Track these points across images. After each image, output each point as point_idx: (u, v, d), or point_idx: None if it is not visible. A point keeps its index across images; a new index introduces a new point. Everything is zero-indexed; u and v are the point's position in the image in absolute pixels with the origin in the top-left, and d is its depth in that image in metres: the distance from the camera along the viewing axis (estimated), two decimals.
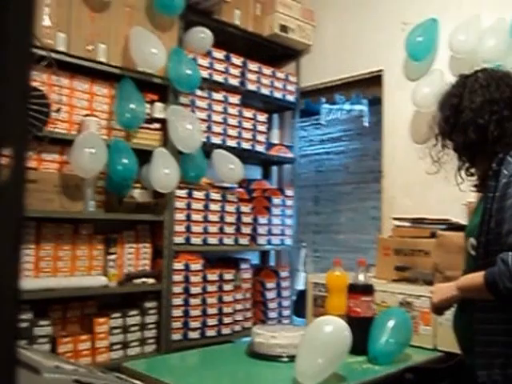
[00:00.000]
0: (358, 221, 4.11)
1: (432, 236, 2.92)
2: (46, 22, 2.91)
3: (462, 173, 2.03)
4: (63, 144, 3.02)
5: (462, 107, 1.87)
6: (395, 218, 3.32)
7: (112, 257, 3.19)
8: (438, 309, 1.96)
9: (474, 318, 1.77)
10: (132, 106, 3.15)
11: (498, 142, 1.78)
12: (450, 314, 2.52)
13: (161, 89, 3.43)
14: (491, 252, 1.70)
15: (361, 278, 2.49)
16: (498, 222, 1.68)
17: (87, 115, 3.10)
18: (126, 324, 3.22)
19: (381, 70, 3.85)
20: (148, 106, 3.35)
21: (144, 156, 3.24)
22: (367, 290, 2.49)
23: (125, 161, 3.07)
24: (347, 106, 4.22)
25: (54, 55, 2.86)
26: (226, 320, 3.67)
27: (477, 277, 1.70)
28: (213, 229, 3.64)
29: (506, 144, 1.77)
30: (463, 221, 2.99)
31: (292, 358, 2.06)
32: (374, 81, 3.91)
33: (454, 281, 1.88)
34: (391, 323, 2.36)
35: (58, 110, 2.97)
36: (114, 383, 0.90)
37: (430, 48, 3.51)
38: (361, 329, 2.35)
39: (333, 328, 2.04)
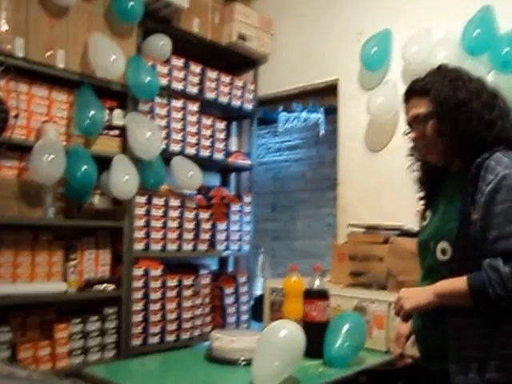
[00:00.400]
0: (314, 227, 4.13)
1: (385, 242, 2.95)
2: (4, 27, 2.86)
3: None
4: (22, 150, 2.99)
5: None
6: (350, 225, 3.34)
7: (72, 263, 3.16)
8: (409, 315, 1.87)
9: (448, 322, 1.72)
10: (91, 112, 3.12)
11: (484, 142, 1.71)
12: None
13: (120, 96, 3.41)
14: (469, 257, 1.66)
15: (316, 283, 2.50)
16: (482, 227, 1.63)
17: (46, 121, 3.07)
18: (85, 330, 3.19)
19: (336, 80, 3.88)
20: (107, 112, 3.33)
21: (103, 163, 3.21)
22: (323, 294, 2.51)
23: (84, 167, 3.04)
24: (304, 115, 4.24)
25: (12, 61, 2.85)
26: (185, 325, 3.68)
27: (457, 282, 1.65)
28: (172, 235, 3.64)
29: (486, 146, 1.71)
30: (416, 227, 2.98)
31: (250, 362, 2.04)
32: (329, 90, 3.94)
33: (424, 286, 1.83)
34: (346, 327, 2.37)
35: (16, 116, 2.92)
36: None
37: (383, 58, 3.55)
38: (316, 333, 2.37)
39: (287, 332, 2.05)
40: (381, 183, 3.57)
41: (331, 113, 4.01)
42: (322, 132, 4.14)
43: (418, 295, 1.77)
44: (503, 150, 1.68)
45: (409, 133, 1.91)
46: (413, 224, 3.08)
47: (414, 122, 1.88)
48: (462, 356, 1.67)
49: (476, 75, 1.85)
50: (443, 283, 1.71)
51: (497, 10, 3.05)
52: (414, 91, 1.89)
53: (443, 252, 1.75)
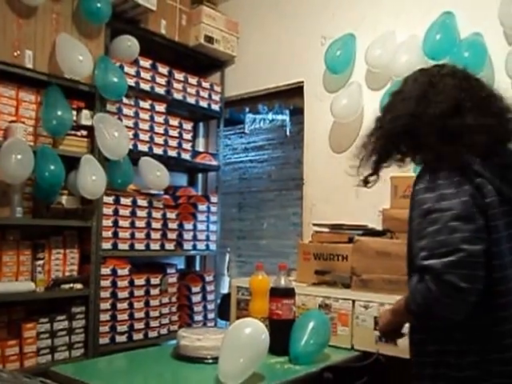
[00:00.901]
0: (280, 227, 4.14)
1: (350, 241, 2.97)
2: None
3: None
4: None
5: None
6: (315, 224, 3.37)
7: (40, 262, 3.15)
8: (385, 334, 1.94)
9: (410, 328, 1.74)
10: (59, 112, 3.12)
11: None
12: (363, 315, 2.63)
13: (88, 96, 3.41)
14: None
15: (282, 281, 2.52)
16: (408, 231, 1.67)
17: (13, 121, 3.05)
18: (53, 329, 3.18)
19: (301, 82, 3.90)
20: (75, 113, 3.32)
21: (71, 163, 3.22)
22: (288, 293, 2.53)
23: (52, 167, 3.04)
24: (270, 116, 4.25)
25: None
26: (153, 324, 3.68)
27: (401, 301, 1.66)
28: (140, 234, 3.64)
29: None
30: (378, 227, 3.09)
31: (216, 360, 2.08)
32: (295, 92, 3.96)
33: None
34: (311, 325, 2.41)
35: None
36: None
37: (347, 62, 3.58)
38: (282, 330, 2.41)
39: (251, 329, 2.08)
40: (345, 183, 3.49)
41: (297, 114, 4.03)
42: (287, 133, 4.16)
43: (384, 315, 1.83)
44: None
45: None
46: (376, 224, 3.16)
47: None
48: (418, 373, 1.67)
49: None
50: (397, 301, 1.74)
51: (457, 16, 3.10)
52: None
53: None
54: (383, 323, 1.82)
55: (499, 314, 1.53)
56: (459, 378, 1.54)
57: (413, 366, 1.70)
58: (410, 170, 2.88)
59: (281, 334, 2.38)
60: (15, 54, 3.06)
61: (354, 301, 2.69)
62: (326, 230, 3.25)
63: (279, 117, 4.22)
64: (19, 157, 2.88)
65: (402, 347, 2.33)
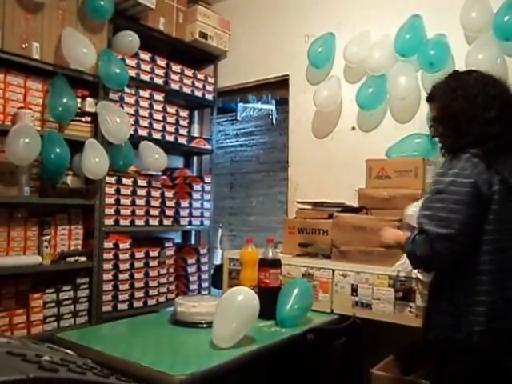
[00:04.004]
0: (268, 204, 4.09)
1: (330, 217, 2.95)
2: None
3: None
4: None
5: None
6: (299, 202, 3.33)
7: (46, 237, 3.01)
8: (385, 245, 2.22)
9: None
10: (64, 100, 2.98)
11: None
12: (342, 283, 2.63)
13: (92, 85, 3.26)
14: None
15: (270, 253, 2.49)
16: None
17: (21, 108, 2.89)
18: (59, 298, 3.06)
19: (287, 75, 3.84)
20: (79, 100, 3.18)
21: (76, 146, 3.08)
22: (275, 263, 2.51)
23: (58, 150, 2.90)
24: (258, 105, 4.19)
25: None
26: (152, 292, 3.58)
27: (405, 236, 1.89)
28: (140, 212, 3.53)
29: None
30: (355, 204, 3.04)
31: (210, 324, 2.04)
32: (281, 84, 3.89)
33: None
34: (295, 292, 2.39)
35: None
36: (45, 353, 0.78)
37: (328, 57, 3.52)
38: (269, 297, 2.38)
39: (243, 296, 2.04)
40: (325, 166, 3.58)
41: (282, 104, 3.97)
42: (274, 120, 4.09)
43: (388, 240, 2.12)
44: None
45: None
46: (352, 201, 3.11)
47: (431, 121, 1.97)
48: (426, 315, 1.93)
49: (484, 75, 1.84)
50: (403, 236, 1.93)
51: (424, 19, 3.10)
52: (427, 96, 1.97)
53: None
54: (387, 243, 2.15)
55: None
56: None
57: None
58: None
59: (268, 301, 2.35)
60: (23, 45, 2.89)
61: (333, 270, 2.68)
62: (309, 207, 3.22)
63: (267, 106, 4.14)
64: (27, 140, 2.73)
65: (374, 311, 2.51)
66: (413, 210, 2.20)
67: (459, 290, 1.72)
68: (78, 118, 3.17)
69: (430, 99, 1.94)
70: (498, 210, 1.67)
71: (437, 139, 1.95)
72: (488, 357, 1.67)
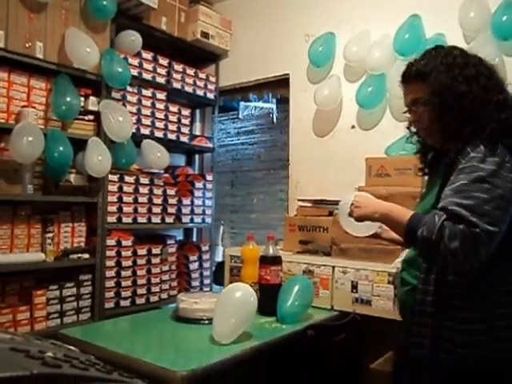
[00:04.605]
0: (268, 202, 4.09)
1: (330, 215, 2.95)
2: None
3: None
4: (2, 132, 2.80)
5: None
6: (299, 200, 3.32)
7: (49, 235, 3.00)
8: (357, 219, 1.68)
9: (417, 289, 1.54)
10: (67, 99, 2.96)
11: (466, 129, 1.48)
12: (342, 279, 2.62)
13: (94, 84, 3.24)
14: None
15: (270, 250, 2.48)
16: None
17: (25, 106, 2.88)
18: (62, 295, 3.05)
19: (287, 74, 3.83)
20: (82, 99, 3.16)
21: (79, 144, 3.07)
22: (276, 260, 2.49)
23: (61, 148, 2.90)
24: (259, 104, 4.18)
25: None
26: (154, 289, 3.57)
27: (404, 213, 1.48)
28: (142, 209, 3.52)
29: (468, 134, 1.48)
30: None
31: (211, 321, 2.03)
32: (282, 83, 3.88)
33: (384, 201, 1.64)
34: (296, 288, 2.39)
35: None
36: (49, 349, 0.77)
37: (328, 57, 3.52)
38: (270, 294, 2.38)
39: (241, 293, 2.04)
40: (325, 164, 3.57)
41: (283, 102, 3.97)
42: (274, 119, 4.09)
43: (368, 208, 1.61)
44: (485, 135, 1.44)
45: (405, 112, 1.67)
46: None
47: (412, 105, 1.62)
48: (420, 321, 1.51)
49: (470, 52, 1.60)
50: (397, 208, 1.54)
51: (423, 19, 3.09)
52: (411, 75, 1.61)
53: None
54: (362, 214, 1.63)
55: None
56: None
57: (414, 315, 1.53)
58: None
59: (269, 297, 2.36)
60: (27, 45, 2.88)
61: (333, 267, 2.68)
62: (309, 204, 3.20)
63: (267, 105, 4.13)
64: (30, 139, 2.71)
65: (374, 307, 2.50)
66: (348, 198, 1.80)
67: (493, 302, 1.44)
68: (80, 117, 3.16)
69: (417, 78, 1.60)
70: None
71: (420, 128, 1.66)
72: None
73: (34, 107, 2.91)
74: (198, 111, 4.50)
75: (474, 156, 1.41)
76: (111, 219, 3.32)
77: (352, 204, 1.67)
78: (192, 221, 3.96)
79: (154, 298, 3.56)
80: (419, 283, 1.52)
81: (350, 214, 1.68)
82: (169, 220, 3.73)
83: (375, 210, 1.58)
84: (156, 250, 3.60)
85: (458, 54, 1.56)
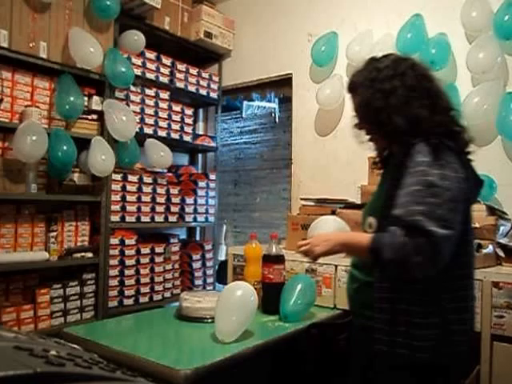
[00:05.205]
0: (271, 201, 4.08)
1: (333, 213, 2.89)
2: None
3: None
4: (5, 132, 2.80)
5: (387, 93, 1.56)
6: (302, 199, 3.32)
7: (53, 234, 2.99)
8: (316, 258, 1.66)
9: (373, 286, 1.56)
10: (71, 98, 2.97)
11: (409, 130, 1.52)
12: (345, 278, 2.56)
13: (98, 84, 3.24)
14: None
15: (273, 249, 2.47)
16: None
17: (29, 106, 2.88)
18: (66, 294, 3.06)
19: (290, 74, 3.83)
20: (86, 98, 3.17)
21: (83, 144, 3.07)
22: (279, 259, 2.47)
23: (64, 148, 2.89)
24: (262, 103, 4.17)
25: None
26: (157, 288, 3.58)
27: (363, 237, 1.50)
28: (145, 208, 3.52)
29: (414, 133, 1.51)
30: (358, 200, 3.04)
31: (214, 320, 2.01)
32: (285, 82, 3.88)
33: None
34: (299, 287, 2.37)
35: (1, 101, 2.74)
36: (52, 347, 0.77)
37: (331, 56, 3.52)
38: (273, 292, 2.37)
39: (242, 291, 2.02)
40: (328, 163, 3.57)
41: (286, 102, 3.96)
42: (277, 119, 4.08)
43: (327, 243, 1.60)
44: (428, 139, 1.47)
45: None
46: (355, 198, 3.11)
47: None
48: (378, 317, 1.54)
49: (405, 58, 1.64)
50: (353, 235, 1.62)
51: (426, 19, 3.08)
52: (348, 87, 1.72)
53: (370, 226, 1.61)
54: (324, 251, 1.60)
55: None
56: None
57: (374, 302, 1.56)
58: None
59: (272, 296, 2.35)
60: (31, 45, 2.88)
61: (336, 266, 2.66)
62: (312, 203, 3.20)
63: (269, 104, 4.13)
64: (34, 138, 2.72)
65: None
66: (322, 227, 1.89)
67: (445, 297, 1.49)
68: (84, 116, 3.16)
69: (350, 90, 1.70)
70: (471, 207, 1.55)
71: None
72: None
73: (37, 107, 2.91)
74: (201, 110, 4.50)
75: (421, 160, 1.44)
76: (115, 218, 3.32)
77: (309, 245, 1.66)
78: (195, 220, 3.96)
79: (157, 297, 3.56)
80: (376, 281, 1.55)
81: (307, 255, 1.67)
82: (172, 219, 3.73)
83: (334, 243, 1.59)
84: (159, 249, 3.60)
85: (388, 66, 1.60)
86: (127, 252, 3.37)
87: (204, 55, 4.21)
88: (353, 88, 1.68)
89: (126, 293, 3.35)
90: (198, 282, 3.96)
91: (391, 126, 1.53)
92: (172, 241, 3.79)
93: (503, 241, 2.46)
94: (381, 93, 1.55)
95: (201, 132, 4.40)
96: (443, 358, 1.47)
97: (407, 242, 1.35)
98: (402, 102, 1.52)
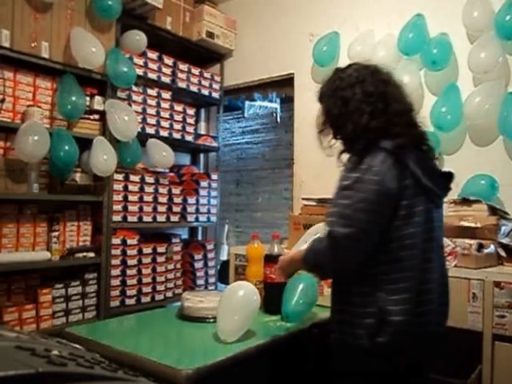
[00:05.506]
0: (273, 201, 4.08)
1: None
2: None
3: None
4: (7, 131, 2.80)
5: (346, 99, 1.66)
6: (304, 198, 3.31)
7: (55, 234, 3.00)
8: (287, 277, 2.04)
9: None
10: (73, 98, 2.97)
11: (364, 135, 1.60)
12: None
13: (100, 84, 3.25)
14: None
15: (275, 249, 2.46)
16: None
17: (31, 106, 2.88)
18: (68, 294, 3.06)
19: (292, 74, 3.83)
20: (88, 98, 3.17)
21: (85, 143, 3.07)
22: None
23: (66, 147, 2.90)
24: (264, 103, 4.17)
25: None
26: (159, 288, 3.58)
27: (301, 252, 1.70)
28: (147, 208, 3.52)
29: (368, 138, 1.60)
30: None
31: (216, 319, 2.00)
32: (286, 82, 3.88)
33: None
34: (300, 287, 2.35)
35: (3, 101, 2.74)
36: (54, 347, 0.77)
37: (332, 56, 3.52)
38: (275, 292, 2.35)
39: (244, 291, 2.02)
40: (329, 162, 3.47)
41: (287, 102, 3.96)
42: (278, 119, 4.08)
43: (293, 262, 1.82)
44: (375, 148, 1.57)
45: None
46: None
47: None
48: (332, 309, 1.70)
49: (365, 69, 1.73)
50: (299, 251, 1.78)
51: (427, 19, 3.07)
52: (317, 96, 1.86)
53: None
54: (287, 270, 1.91)
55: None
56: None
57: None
58: None
59: (274, 296, 2.33)
60: (32, 45, 2.89)
61: None
62: (314, 203, 3.19)
63: (271, 104, 4.13)
64: (36, 138, 2.72)
65: None
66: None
67: (382, 288, 1.55)
68: (86, 116, 3.16)
69: (318, 99, 1.84)
70: (408, 204, 1.54)
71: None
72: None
73: (39, 107, 2.91)
74: (202, 110, 4.50)
75: (345, 166, 1.62)
76: (116, 218, 3.32)
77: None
78: (197, 220, 3.96)
79: (159, 297, 3.56)
80: (333, 275, 1.73)
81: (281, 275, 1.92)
82: (174, 219, 3.73)
83: (299, 260, 1.73)
84: (161, 249, 3.60)
85: (350, 74, 1.70)
86: (129, 252, 3.37)
87: (206, 55, 4.22)
88: (319, 98, 1.81)
89: (128, 293, 3.36)
90: (200, 281, 3.97)
91: (345, 132, 1.68)
92: (174, 241, 3.79)
93: (505, 241, 2.46)
94: (341, 100, 1.66)
95: (203, 132, 4.40)
96: (382, 347, 1.51)
97: (322, 244, 1.56)
98: (355, 108, 1.62)
